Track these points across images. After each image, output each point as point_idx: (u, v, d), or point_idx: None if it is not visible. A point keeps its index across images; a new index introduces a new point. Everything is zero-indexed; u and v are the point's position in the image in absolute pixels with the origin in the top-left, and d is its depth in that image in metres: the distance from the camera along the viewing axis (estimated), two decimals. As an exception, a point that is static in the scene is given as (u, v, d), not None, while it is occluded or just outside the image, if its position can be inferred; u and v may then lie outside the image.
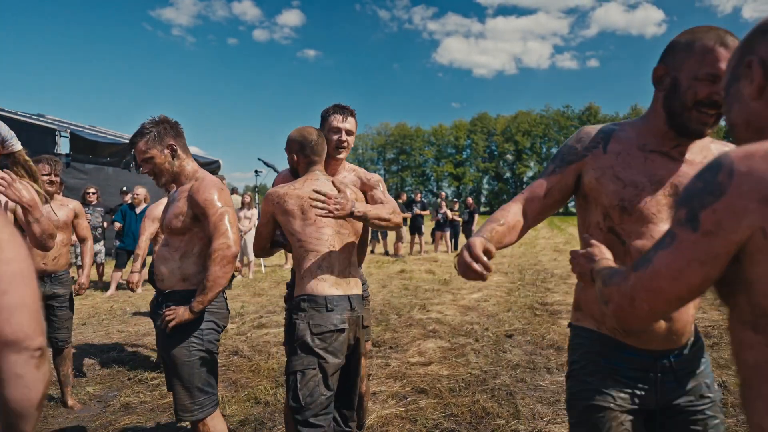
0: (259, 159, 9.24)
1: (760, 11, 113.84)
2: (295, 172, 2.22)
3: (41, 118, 10.78)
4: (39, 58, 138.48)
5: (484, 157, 77.72)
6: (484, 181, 79.68)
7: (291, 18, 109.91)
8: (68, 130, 9.63)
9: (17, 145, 2.37)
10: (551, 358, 4.26)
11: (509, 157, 77.62)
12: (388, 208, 2.14)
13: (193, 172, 2.13)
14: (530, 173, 77.68)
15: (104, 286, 7.76)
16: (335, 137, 2.30)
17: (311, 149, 2.10)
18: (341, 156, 2.33)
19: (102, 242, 7.99)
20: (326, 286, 1.95)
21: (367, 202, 2.32)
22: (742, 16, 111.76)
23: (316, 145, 2.11)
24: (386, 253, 12.70)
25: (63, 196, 7.86)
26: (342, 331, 1.92)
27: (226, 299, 2.16)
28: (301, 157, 2.12)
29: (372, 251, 12.87)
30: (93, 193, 7.98)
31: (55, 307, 3.27)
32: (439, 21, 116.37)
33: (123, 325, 5.40)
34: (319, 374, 1.89)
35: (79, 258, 5.87)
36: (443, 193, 15.25)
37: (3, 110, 11.10)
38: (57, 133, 9.50)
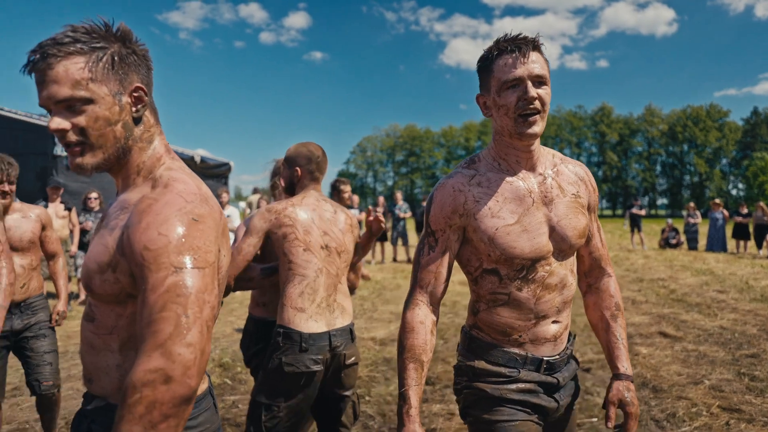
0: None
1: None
2: (289, 189, 2.09)
3: (42, 118, 10.09)
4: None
5: (494, 159, 76.81)
6: (495, 182, 78.87)
7: (297, 20, 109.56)
8: (70, 130, 8.90)
9: None
10: (651, 404, 3.42)
11: (520, 158, 76.70)
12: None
13: (154, 162, 1.03)
14: (542, 175, 76.53)
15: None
16: (515, 96, 1.22)
17: (317, 165, 2.02)
18: (534, 130, 1.24)
19: (105, 252, 7.23)
20: (304, 318, 1.84)
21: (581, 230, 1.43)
22: (755, 14, 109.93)
23: (321, 162, 2.03)
24: (410, 261, 11.89)
25: (61, 201, 7.18)
26: (314, 373, 1.85)
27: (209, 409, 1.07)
28: (306, 172, 2.02)
29: (394, 259, 12.06)
30: (95, 198, 7.25)
31: (31, 338, 2.51)
32: (446, 22, 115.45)
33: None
34: (286, 412, 1.85)
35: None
36: None
37: (2, 109, 10.45)
38: (58, 133, 8.77)
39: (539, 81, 1.23)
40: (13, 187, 2.43)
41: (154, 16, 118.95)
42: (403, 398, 1.22)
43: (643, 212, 15.06)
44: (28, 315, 2.52)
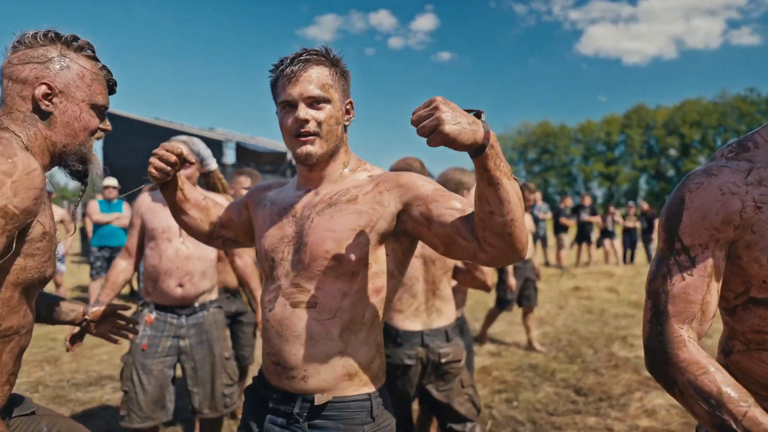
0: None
1: None
2: None
3: (212, 131, 11.64)
4: (212, 77, 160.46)
5: (641, 154, 69.75)
6: (642, 180, 71.45)
7: (425, 23, 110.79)
8: (234, 141, 10.15)
9: (213, 164, 2.36)
10: None
11: (673, 152, 68.52)
12: None
13: (357, 162, 1.28)
14: (700, 170, 67.42)
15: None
16: None
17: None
18: None
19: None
20: (401, 318, 2.05)
21: None
22: None
23: (420, 172, 2.18)
24: (547, 264, 11.35)
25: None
26: (408, 366, 2.02)
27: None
28: None
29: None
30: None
31: (243, 323, 3.18)
32: (583, 9, 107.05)
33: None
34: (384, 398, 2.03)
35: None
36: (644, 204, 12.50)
37: (181, 125, 12.27)
38: (223, 144, 10.06)
39: None
40: None
41: (293, 32, 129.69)
42: None
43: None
44: (237, 303, 3.14)
